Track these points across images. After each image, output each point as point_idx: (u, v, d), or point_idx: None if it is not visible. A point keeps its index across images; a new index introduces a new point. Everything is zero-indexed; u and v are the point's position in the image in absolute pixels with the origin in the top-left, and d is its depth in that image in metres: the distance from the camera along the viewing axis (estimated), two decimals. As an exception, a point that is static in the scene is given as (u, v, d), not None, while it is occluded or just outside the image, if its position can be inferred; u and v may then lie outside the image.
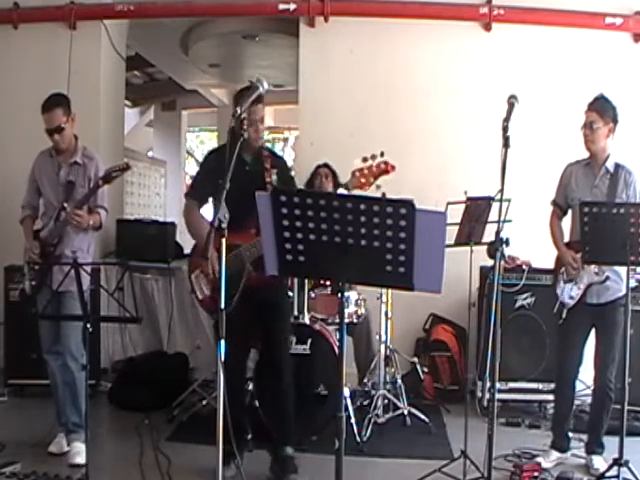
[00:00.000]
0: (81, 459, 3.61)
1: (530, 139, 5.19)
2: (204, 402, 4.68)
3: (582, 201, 3.57)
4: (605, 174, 3.83)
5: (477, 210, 4.27)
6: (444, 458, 3.83)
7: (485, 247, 3.59)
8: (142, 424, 4.42)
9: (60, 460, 3.85)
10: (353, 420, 4.18)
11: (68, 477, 3.53)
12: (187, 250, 6.07)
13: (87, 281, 3.79)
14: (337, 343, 4.12)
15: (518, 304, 4.93)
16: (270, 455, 3.76)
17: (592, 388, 3.99)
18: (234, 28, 7.15)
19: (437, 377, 5.29)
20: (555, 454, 3.97)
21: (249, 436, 3.92)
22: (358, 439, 4.13)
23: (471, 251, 4.19)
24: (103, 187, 3.95)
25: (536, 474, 3.73)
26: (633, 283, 4.11)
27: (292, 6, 5.70)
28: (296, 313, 4.36)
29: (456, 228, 4.23)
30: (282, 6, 5.72)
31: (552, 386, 4.39)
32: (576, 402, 4.12)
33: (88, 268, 3.86)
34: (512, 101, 2.97)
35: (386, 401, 4.64)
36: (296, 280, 4.32)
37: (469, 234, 4.27)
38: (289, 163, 3.98)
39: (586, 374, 4.12)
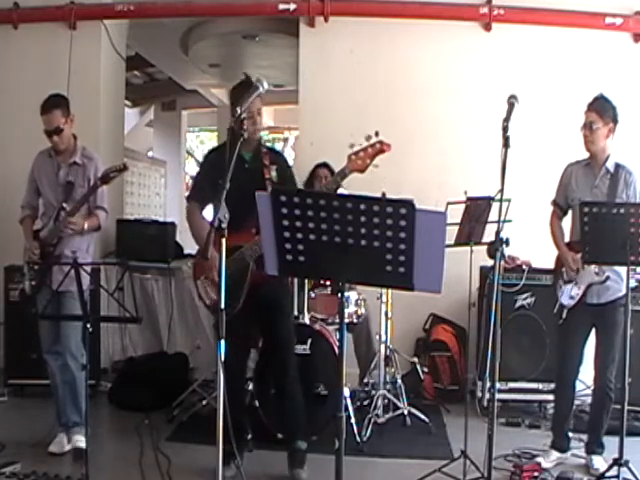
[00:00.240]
0: (83, 444, 3.57)
1: (530, 139, 5.19)
2: (204, 402, 4.68)
3: (582, 201, 3.57)
4: (605, 174, 3.83)
5: (477, 210, 4.27)
6: (444, 458, 3.83)
7: (485, 247, 3.59)
8: (142, 424, 4.42)
9: (60, 460, 3.86)
10: (353, 420, 4.18)
11: (68, 477, 3.52)
12: (187, 250, 6.10)
13: (87, 281, 3.79)
14: (337, 343, 4.12)
15: (518, 304, 4.93)
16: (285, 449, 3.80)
17: (592, 388, 4.00)
18: (234, 28, 7.15)
19: (437, 377, 5.29)
20: (555, 454, 3.97)
21: (249, 436, 3.92)
22: (358, 439, 4.13)
23: (471, 251, 4.19)
24: (102, 187, 3.95)
25: (536, 474, 3.73)
26: (633, 283, 4.11)
27: (292, 6, 5.70)
28: (296, 313, 4.36)
29: (456, 228, 4.23)
30: (282, 6, 5.71)
31: (552, 386, 4.40)
32: (576, 402, 4.12)
33: (88, 268, 3.86)
34: (512, 101, 2.98)
35: (386, 401, 4.64)
36: (296, 280, 4.33)
37: (469, 234, 4.27)
38: (289, 162, 3.97)
39: (586, 374, 4.12)
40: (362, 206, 2.07)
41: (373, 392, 4.68)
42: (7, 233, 4.69)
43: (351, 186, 3.51)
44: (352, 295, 4.60)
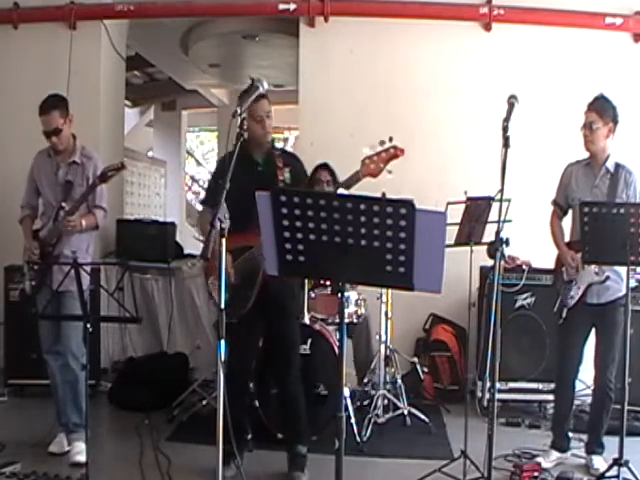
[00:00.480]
0: (82, 458, 3.60)
1: (530, 139, 5.19)
2: (204, 402, 4.68)
3: (582, 201, 3.57)
4: (605, 174, 3.83)
5: (477, 210, 4.27)
6: (444, 458, 3.84)
7: (485, 247, 3.58)
8: (142, 424, 4.42)
9: (60, 460, 3.86)
10: (353, 420, 4.18)
11: (68, 477, 3.53)
12: (187, 250, 6.11)
13: (87, 281, 3.79)
14: (337, 343, 4.12)
15: (518, 304, 4.93)
16: (286, 451, 3.80)
17: (592, 388, 4.00)
18: (234, 28, 7.15)
19: (437, 377, 5.29)
20: (555, 454, 3.97)
21: (249, 436, 3.92)
22: (358, 439, 4.14)
23: (471, 251, 4.19)
24: (101, 186, 3.95)
25: (536, 474, 3.73)
26: (633, 283, 4.11)
27: (292, 6, 5.70)
28: (296, 313, 4.36)
29: (456, 228, 4.23)
30: (282, 6, 5.72)
31: (552, 386, 4.40)
32: (576, 402, 4.13)
33: (88, 268, 3.86)
34: (512, 101, 2.98)
35: (386, 401, 4.65)
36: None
37: (469, 234, 4.27)
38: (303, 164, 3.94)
39: (586, 374, 4.13)
40: (362, 206, 2.07)
41: (373, 392, 4.68)
42: (7, 233, 4.69)
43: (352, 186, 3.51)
44: (352, 295, 4.60)
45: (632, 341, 3.81)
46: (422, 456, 4.05)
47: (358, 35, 5.73)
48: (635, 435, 4.26)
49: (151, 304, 5.88)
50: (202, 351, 5.52)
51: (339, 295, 2.29)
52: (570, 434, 4.02)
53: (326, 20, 5.70)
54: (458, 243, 4.25)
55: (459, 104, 5.65)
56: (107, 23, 5.93)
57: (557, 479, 3.73)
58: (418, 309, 5.37)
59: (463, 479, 3.54)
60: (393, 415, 4.60)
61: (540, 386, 4.88)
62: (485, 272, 4.90)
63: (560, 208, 4.03)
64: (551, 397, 4.42)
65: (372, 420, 4.41)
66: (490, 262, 2.97)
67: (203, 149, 19.99)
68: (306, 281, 4.32)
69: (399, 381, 4.76)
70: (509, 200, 3.00)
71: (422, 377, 5.17)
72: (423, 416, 4.57)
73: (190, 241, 7.45)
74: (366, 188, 3.01)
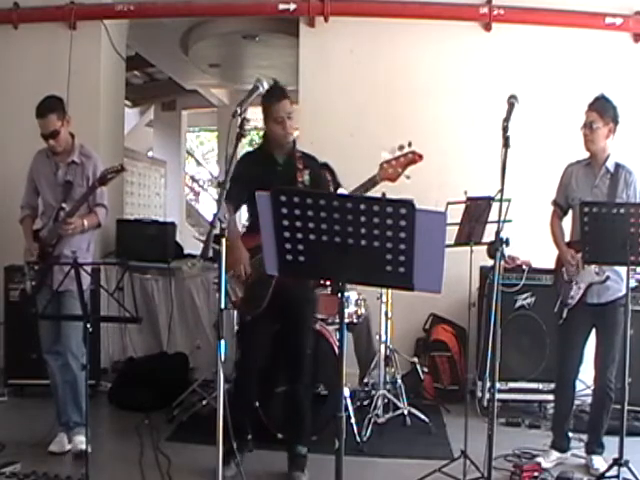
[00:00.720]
0: (84, 446, 3.51)
1: (530, 139, 5.19)
2: (204, 402, 4.68)
3: (582, 201, 3.57)
4: (605, 174, 3.83)
5: (477, 210, 4.27)
6: (444, 458, 3.83)
7: (485, 247, 3.59)
8: (142, 424, 4.42)
9: (60, 460, 3.86)
10: (353, 420, 4.18)
11: (68, 477, 3.52)
12: (187, 250, 6.11)
13: (87, 281, 3.79)
14: (337, 343, 4.12)
15: (518, 304, 4.93)
16: (286, 451, 3.80)
17: (592, 388, 4.00)
18: (234, 28, 7.15)
19: (437, 377, 5.29)
20: (555, 454, 3.97)
21: (249, 436, 3.92)
22: (358, 439, 4.14)
23: (471, 251, 4.19)
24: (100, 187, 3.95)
25: (536, 474, 3.73)
26: (633, 283, 4.12)
27: (292, 6, 5.70)
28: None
29: (456, 228, 4.23)
30: (282, 6, 5.71)
31: (552, 386, 4.40)
32: (576, 402, 4.12)
33: (88, 268, 3.86)
34: (512, 101, 2.98)
35: (386, 401, 4.64)
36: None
37: (469, 234, 4.27)
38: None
39: (586, 374, 4.12)
40: (362, 206, 2.07)
41: (373, 392, 4.68)
42: (7, 233, 4.69)
43: (352, 186, 3.51)
44: (352, 295, 4.60)
45: (632, 341, 3.80)
46: (422, 456, 4.05)
47: (358, 35, 5.73)
48: (635, 435, 4.26)
49: (151, 304, 5.88)
50: (202, 351, 5.52)
51: (339, 295, 2.29)
52: (570, 434, 4.02)
53: (326, 20, 5.70)
54: (458, 243, 4.25)
55: (459, 104, 5.65)
56: (107, 23, 5.93)
57: (557, 479, 3.73)
58: (418, 309, 5.37)
59: (463, 479, 3.54)
60: (393, 415, 4.60)
61: (540, 386, 4.88)
62: (485, 272, 4.90)
63: (560, 208, 4.03)
64: (551, 397, 4.42)
65: (372, 420, 4.41)
66: (490, 262, 2.97)
67: (203, 149, 20.02)
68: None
69: (399, 381, 4.76)
70: (509, 200, 3.00)
71: (422, 377, 5.16)
72: (423, 416, 4.57)
73: (190, 241, 7.47)
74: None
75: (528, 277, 4.93)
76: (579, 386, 4.10)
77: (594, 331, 3.90)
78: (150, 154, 11.80)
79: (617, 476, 3.48)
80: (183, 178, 12.76)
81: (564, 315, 3.88)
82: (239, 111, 2.78)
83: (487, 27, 5.62)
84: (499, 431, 3.23)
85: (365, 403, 4.71)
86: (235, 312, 4.56)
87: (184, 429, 4.49)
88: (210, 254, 3.26)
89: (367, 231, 2.08)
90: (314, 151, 3.85)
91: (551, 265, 4.10)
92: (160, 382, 5.03)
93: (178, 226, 6.16)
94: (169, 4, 6.01)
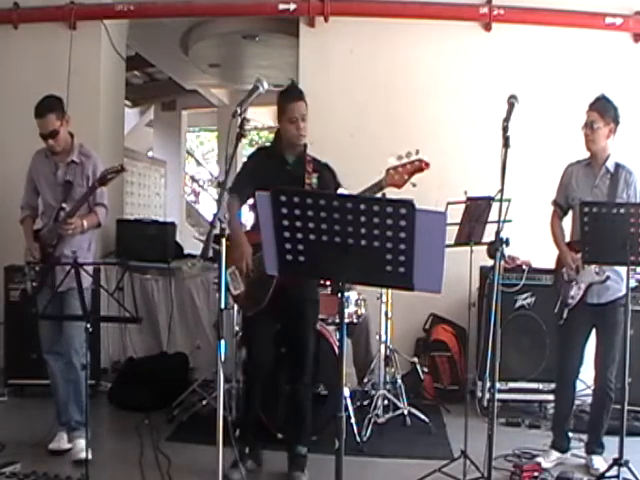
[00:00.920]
0: (84, 455, 3.55)
1: (530, 139, 5.19)
2: (204, 402, 4.68)
3: (582, 201, 3.57)
4: (605, 174, 3.83)
5: (477, 210, 4.27)
6: (444, 458, 3.83)
7: (485, 247, 3.59)
8: (142, 424, 4.42)
9: (60, 460, 3.85)
10: (353, 420, 4.18)
11: (68, 477, 3.52)
12: (187, 250, 6.11)
13: (88, 280, 3.78)
14: (337, 343, 4.11)
15: (518, 304, 4.93)
16: (286, 451, 3.80)
17: (592, 388, 4.00)
18: (234, 28, 7.15)
19: (437, 377, 5.29)
20: (555, 454, 3.97)
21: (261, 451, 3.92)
22: (358, 439, 4.14)
23: (471, 251, 4.19)
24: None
25: (536, 474, 3.73)
26: (633, 283, 4.11)
27: (292, 6, 5.70)
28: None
29: (456, 228, 4.23)
30: (282, 6, 5.71)
31: (552, 386, 4.40)
32: (576, 402, 4.12)
33: (89, 268, 3.85)
34: (512, 101, 2.98)
35: (386, 401, 4.64)
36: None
37: (469, 234, 4.27)
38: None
39: (586, 374, 4.12)
40: (362, 206, 2.07)
41: (373, 392, 4.68)
42: (7, 233, 4.69)
43: (352, 186, 3.51)
44: (352, 295, 4.60)
45: (632, 341, 3.80)
46: (422, 456, 4.05)
47: (358, 35, 5.73)
48: (635, 435, 4.26)
49: (151, 304, 5.87)
50: (202, 351, 5.52)
51: (339, 295, 2.29)
52: (570, 434, 4.02)
53: (326, 20, 5.70)
54: (458, 243, 4.25)
55: (459, 104, 5.65)
56: (107, 23, 5.93)
57: (557, 479, 3.73)
58: (418, 309, 5.37)
59: (463, 479, 3.54)
60: (393, 415, 4.60)
61: (540, 386, 4.88)
62: (485, 272, 4.90)
63: (560, 208, 4.03)
64: (551, 397, 4.42)
65: (372, 420, 4.41)
66: (490, 262, 2.97)
67: (203, 149, 20.02)
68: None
69: (399, 381, 4.76)
70: (509, 200, 3.00)
71: (422, 377, 5.16)
72: (423, 416, 4.57)
73: (190, 241, 7.47)
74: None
75: (528, 277, 4.93)
76: (579, 386, 4.10)
77: (594, 331, 3.90)
78: (150, 154, 11.80)
79: (617, 476, 3.48)
80: (183, 178, 12.77)
81: (564, 315, 3.88)
82: (239, 111, 2.78)
83: (487, 27, 5.62)
84: (499, 431, 3.23)
85: (365, 403, 4.71)
86: (235, 312, 4.56)
87: (184, 429, 4.49)
88: (210, 254, 3.27)
89: (367, 231, 2.08)
90: (314, 151, 3.85)
91: (551, 265, 4.10)
92: (160, 382, 5.03)
93: (178, 226, 6.16)
94: (169, 4, 6.01)
